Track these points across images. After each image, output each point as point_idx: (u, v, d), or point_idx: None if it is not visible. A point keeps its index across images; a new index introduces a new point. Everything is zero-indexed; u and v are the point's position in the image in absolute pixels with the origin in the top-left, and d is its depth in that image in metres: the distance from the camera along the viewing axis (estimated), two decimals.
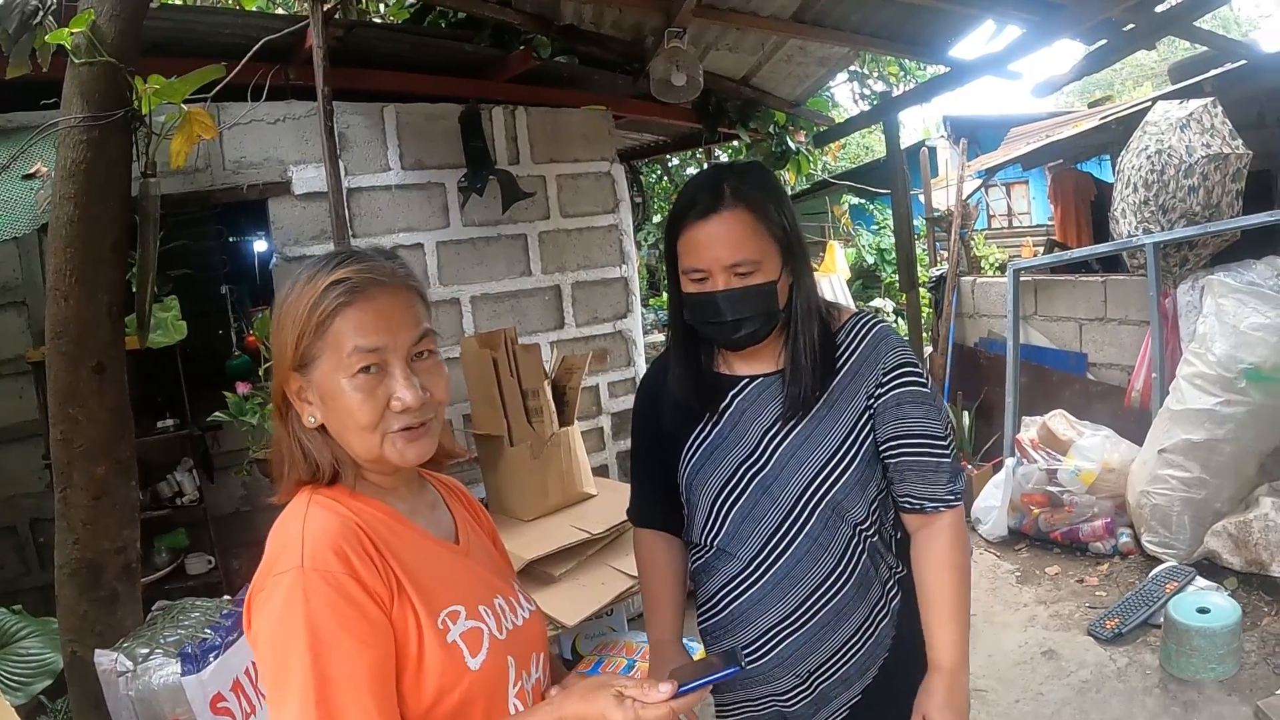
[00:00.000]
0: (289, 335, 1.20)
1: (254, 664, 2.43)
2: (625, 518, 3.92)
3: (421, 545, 1.25)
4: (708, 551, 1.84)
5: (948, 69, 5.51)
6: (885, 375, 1.73)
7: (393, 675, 1.12)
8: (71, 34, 2.44)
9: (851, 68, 8.33)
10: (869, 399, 1.73)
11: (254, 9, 5.59)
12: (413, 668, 1.14)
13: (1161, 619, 3.98)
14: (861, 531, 1.74)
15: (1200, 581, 4.27)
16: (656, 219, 11.21)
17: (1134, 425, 5.38)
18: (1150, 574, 4.49)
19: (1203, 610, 3.78)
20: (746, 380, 1.80)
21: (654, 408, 1.91)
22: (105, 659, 2.41)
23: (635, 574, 3.81)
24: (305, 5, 3.74)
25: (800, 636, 1.75)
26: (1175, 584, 4.24)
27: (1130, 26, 4.44)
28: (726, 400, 1.80)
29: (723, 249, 1.66)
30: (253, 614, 1.14)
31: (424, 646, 1.15)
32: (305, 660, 1.05)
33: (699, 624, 1.92)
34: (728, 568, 1.80)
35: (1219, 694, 3.64)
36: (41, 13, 2.63)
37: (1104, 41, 4.70)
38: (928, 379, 1.77)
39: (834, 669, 1.76)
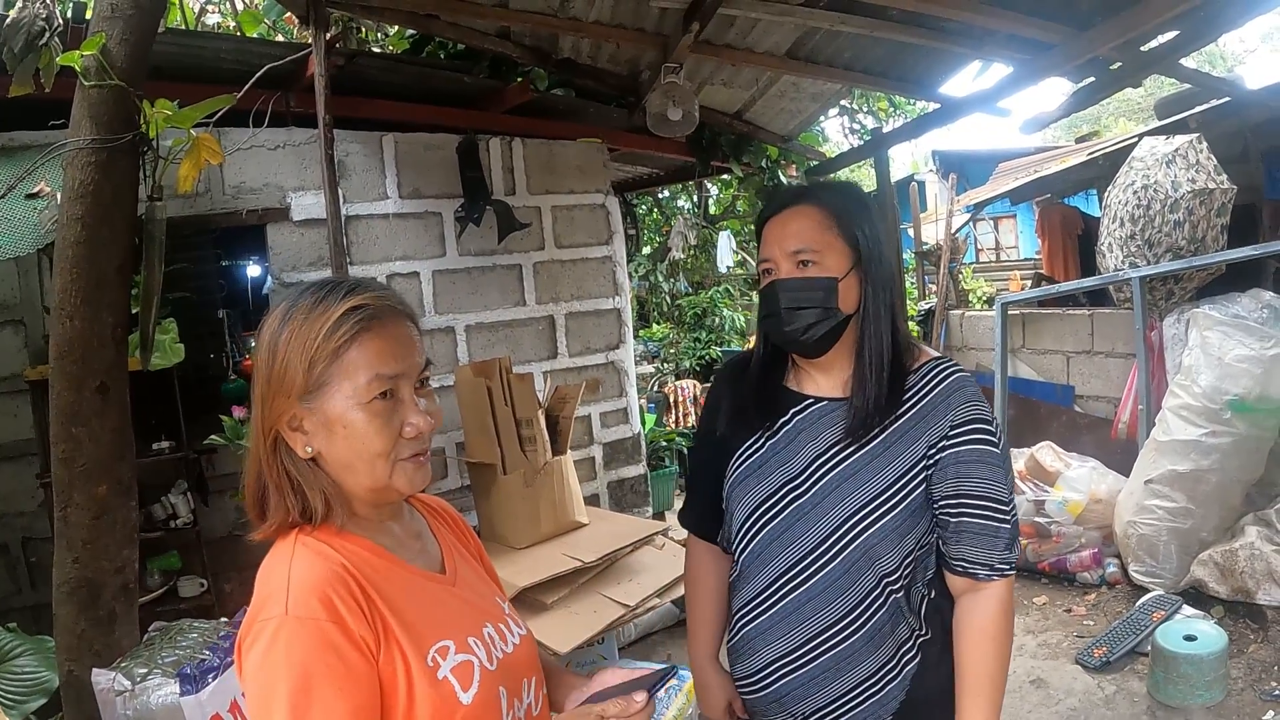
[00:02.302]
0: (296, 361, 1.17)
1: None
2: (616, 546, 4.00)
3: (409, 582, 1.25)
4: (736, 569, 1.80)
5: (938, 105, 5.60)
6: (953, 428, 1.65)
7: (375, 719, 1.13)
8: (82, 56, 2.48)
9: (842, 103, 8.47)
10: (930, 448, 1.65)
11: (255, 35, 5.65)
12: (404, 709, 1.15)
13: (1149, 647, 4.00)
14: (886, 584, 1.65)
15: (1187, 610, 4.30)
16: (646, 250, 11.30)
17: (1120, 456, 5.43)
18: (1137, 603, 4.52)
19: (1190, 638, 3.81)
20: (811, 401, 1.76)
21: (714, 411, 1.91)
22: (103, 678, 2.42)
23: (626, 602, 3.87)
24: (306, 34, 3.79)
25: (800, 677, 1.69)
26: (1162, 613, 4.27)
27: (1117, 65, 4.53)
28: (786, 416, 1.76)
29: (788, 238, 1.69)
30: (242, 656, 1.15)
31: (414, 687, 1.15)
32: (285, 706, 1.06)
33: (726, 642, 1.87)
34: (745, 590, 1.76)
35: None
36: (48, 33, 2.66)
37: (1091, 79, 4.79)
38: (999, 438, 1.68)
39: (830, 718, 1.69)
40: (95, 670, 2.44)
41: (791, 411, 1.76)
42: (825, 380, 1.77)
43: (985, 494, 1.63)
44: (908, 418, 1.67)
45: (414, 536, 1.36)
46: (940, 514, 1.66)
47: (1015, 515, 1.67)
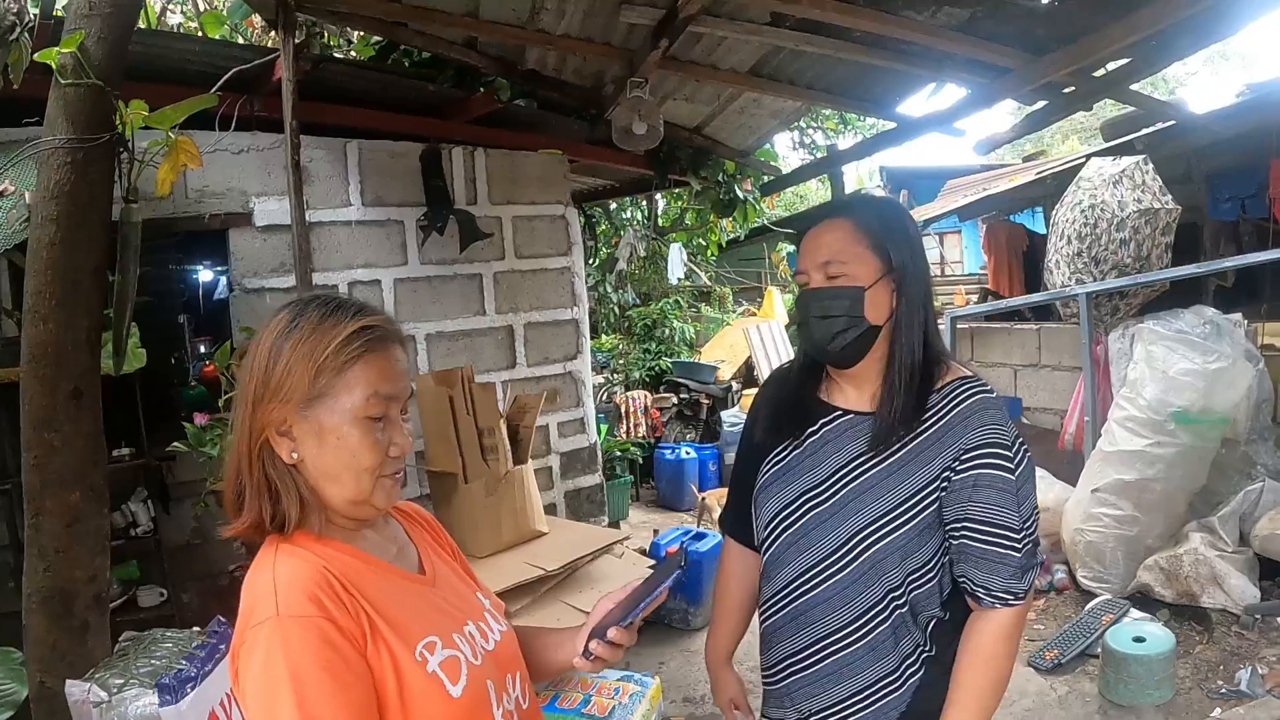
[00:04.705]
0: (301, 369, 1.20)
1: (229, 695, 2.41)
2: (577, 555, 4.02)
3: (390, 582, 1.28)
4: (762, 567, 1.87)
5: (895, 124, 5.71)
6: (967, 452, 1.65)
7: (375, 713, 1.15)
8: (59, 53, 2.43)
9: None
10: (944, 470, 1.66)
11: (217, 37, 5.58)
12: (395, 704, 1.17)
13: (1099, 649, 4.12)
14: (891, 597, 1.68)
15: (1134, 613, 4.43)
16: (594, 261, 11.30)
17: (1067, 467, 5.56)
18: (1086, 607, 4.65)
19: (1139, 639, 3.93)
20: (840, 413, 1.79)
21: (755, 418, 1.96)
22: (77, 690, 2.36)
23: (588, 610, 3.88)
24: (269, 37, 3.77)
25: (808, 676, 1.75)
26: (1111, 616, 4.39)
27: (1070, 90, 4.67)
28: (815, 426, 1.80)
29: (819, 250, 1.73)
30: (238, 667, 1.15)
31: (404, 681, 1.17)
32: (292, 705, 1.07)
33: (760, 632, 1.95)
34: (767, 589, 1.83)
35: (1156, 718, 3.79)
36: (18, 28, 2.60)
37: (1044, 103, 4.93)
38: (1017, 464, 1.65)
39: (833, 718, 1.74)
40: (69, 681, 2.38)
41: (821, 422, 1.80)
42: (855, 393, 1.80)
43: (991, 520, 1.62)
44: (926, 436, 1.68)
45: (390, 540, 1.39)
46: (949, 536, 1.67)
47: (1029, 544, 1.64)
